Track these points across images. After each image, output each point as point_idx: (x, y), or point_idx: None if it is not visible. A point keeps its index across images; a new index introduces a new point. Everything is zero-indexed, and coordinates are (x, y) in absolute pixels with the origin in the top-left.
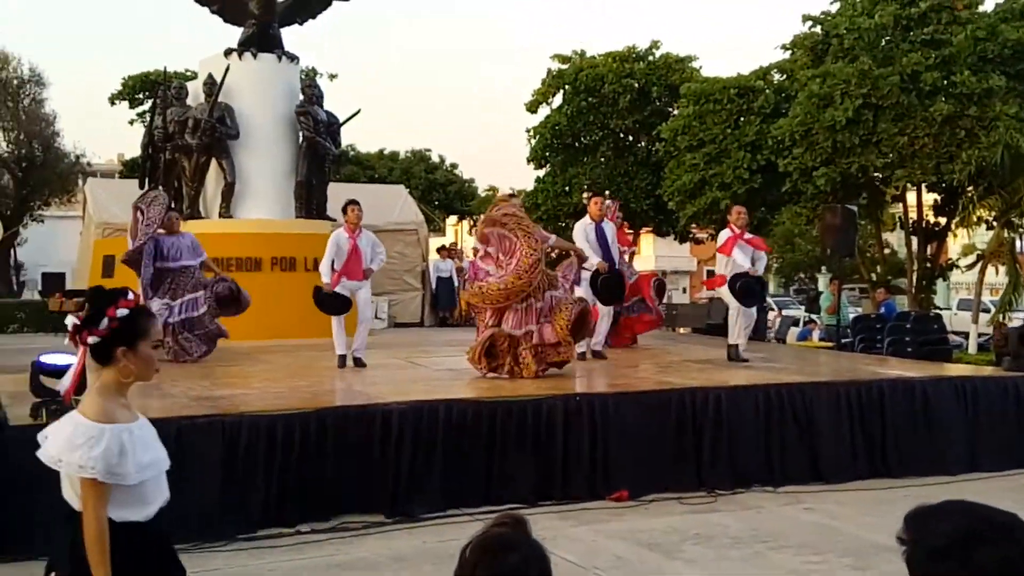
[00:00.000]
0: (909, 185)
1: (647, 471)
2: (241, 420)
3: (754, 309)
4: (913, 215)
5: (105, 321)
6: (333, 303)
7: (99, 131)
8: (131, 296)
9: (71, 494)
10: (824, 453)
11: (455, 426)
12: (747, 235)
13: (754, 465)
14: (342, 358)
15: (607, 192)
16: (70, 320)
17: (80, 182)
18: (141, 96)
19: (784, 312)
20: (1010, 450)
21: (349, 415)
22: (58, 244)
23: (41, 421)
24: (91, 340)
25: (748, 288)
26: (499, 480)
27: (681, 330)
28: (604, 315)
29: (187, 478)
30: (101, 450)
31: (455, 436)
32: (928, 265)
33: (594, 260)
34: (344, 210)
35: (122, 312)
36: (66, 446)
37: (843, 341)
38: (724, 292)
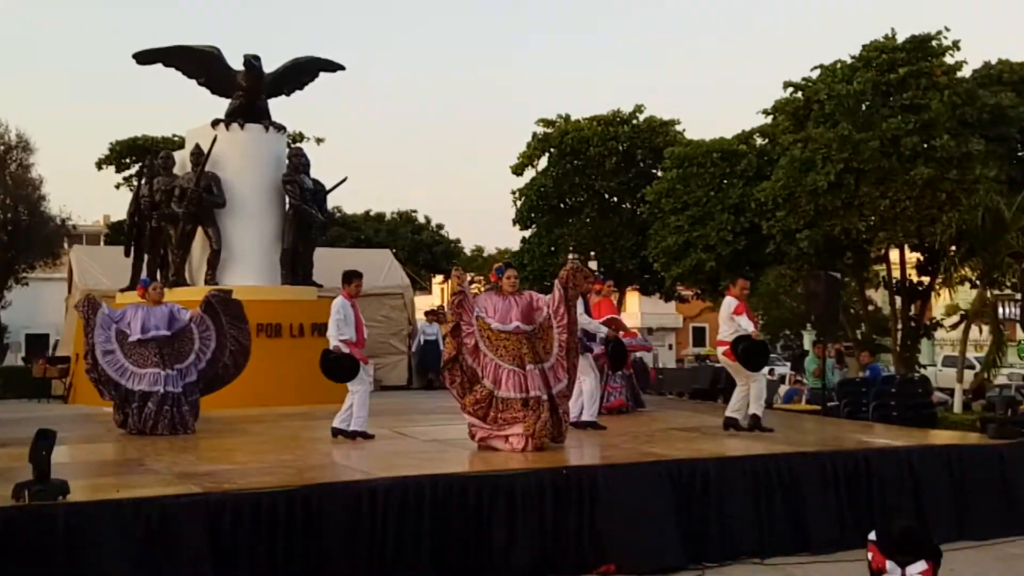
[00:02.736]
0: (892, 245)
1: (635, 544)
2: (225, 498)
3: (762, 376)
4: (897, 274)
5: None
6: (343, 366)
7: (85, 194)
8: None
9: None
10: (812, 524)
11: (441, 501)
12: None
13: (742, 537)
14: (364, 433)
15: (592, 252)
16: None
17: (65, 245)
18: (128, 160)
19: (770, 373)
20: (997, 518)
21: (334, 492)
22: (42, 306)
23: (23, 503)
24: None
25: (749, 351)
26: (488, 555)
27: (668, 395)
28: (594, 388)
29: (173, 558)
30: None
31: (442, 511)
32: (912, 324)
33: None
34: (349, 280)
35: None
36: None
37: (829, 405)
38: (733, 364)
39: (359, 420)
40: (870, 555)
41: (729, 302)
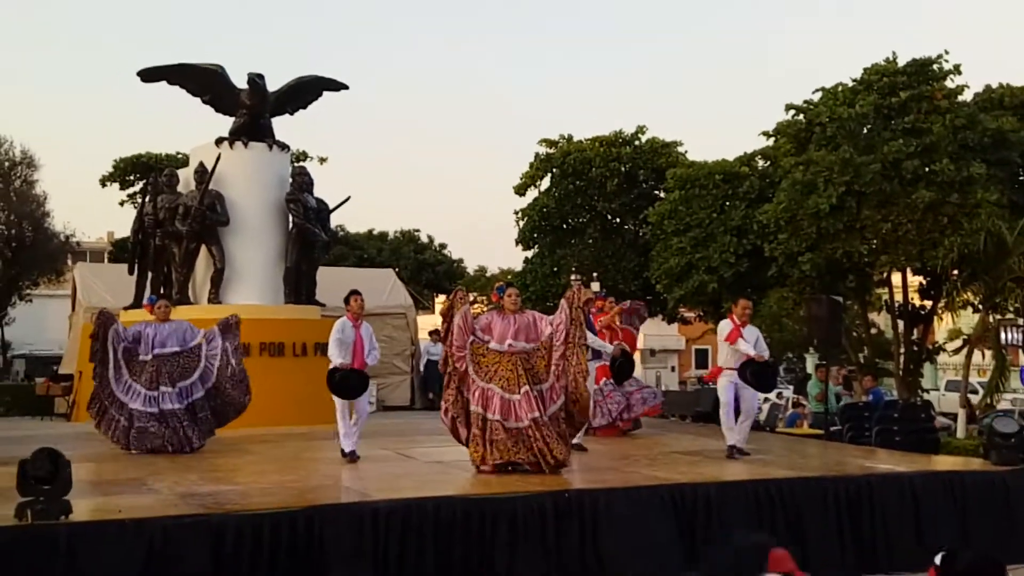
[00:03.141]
0: (894, 268)
1: (638, 568)
2: (227, 519)
3: (754, 404)
4: (899, 298)
5: None
6: (350, 382)
7: (89, 210)
8: None
9: None
10: (815, 549)
11: (444, 524)
12: (747, 327)
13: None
14: (351, 453)
15: (595, 274)
16: None
17: (69, 261)
18: (132, 178)
19: (771, 398)
20: (1001, 545)
21: (337, 513)
22: (46, 323)
23: (26, 522)
24: None
25: (759, 373)
26: None
27: (671, 417)
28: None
29: None
30: None
31: (445, 534)
32: (915, 348)
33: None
34: (347, 300)
35: None
36: None
37: (832, 429)
38: (720, 380)
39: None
40: None
41: (722, 327)
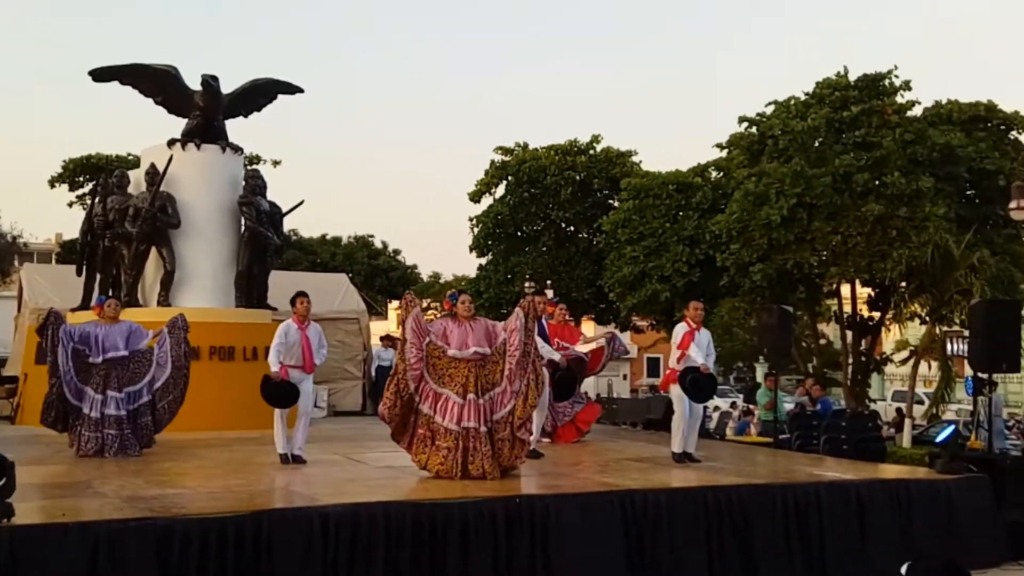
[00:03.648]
0: (843, 280)
1: (587, 573)
2: (174, 523)
3: (700, 408)
4: (848, 309)
5: None
6: (281, 393)
7: (37, 211)
8: None
9: None
10: (763, 556)
11: (394, 528)
12: (701, 331)
13: (693, 567)
14: (284, 456)
15: (548, 281)
16: None
17: (16, 262)
18: (81, 179)
19: (721, 406)
20: (944, 553)
21: (285, 518)
22: None
23: None
24: None
25: (697, 383)
26: None
27: (622, 425)
28: (537, 412)
29: None
30: None
31: (395, 538)
32: (863, 359)
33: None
34: (293, 302)
35: None
36: None
37: (780, 437)
38: (674, 390)
39: (281, 441)
40: None
41: (677, 331)
